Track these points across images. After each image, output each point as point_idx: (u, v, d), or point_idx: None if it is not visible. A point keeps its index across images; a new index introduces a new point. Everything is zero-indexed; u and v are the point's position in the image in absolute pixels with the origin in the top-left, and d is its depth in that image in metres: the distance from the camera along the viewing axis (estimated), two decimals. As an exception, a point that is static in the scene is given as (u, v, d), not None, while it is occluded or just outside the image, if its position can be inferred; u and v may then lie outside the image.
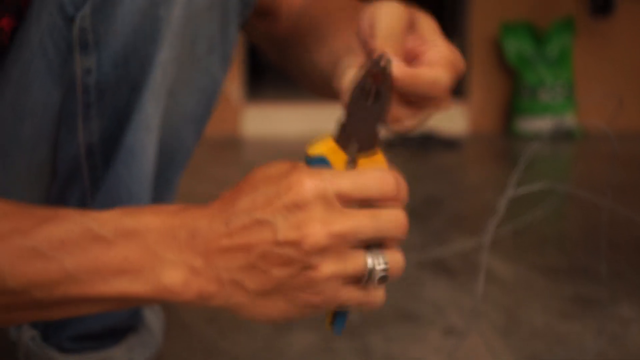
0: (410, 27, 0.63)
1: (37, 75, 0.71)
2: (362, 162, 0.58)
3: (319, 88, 0.80)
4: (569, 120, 3.19)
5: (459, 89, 3.51)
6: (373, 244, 0.57)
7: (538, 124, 3.21)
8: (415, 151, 2.95)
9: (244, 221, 0.55)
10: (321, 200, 0.54)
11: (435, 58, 0.61)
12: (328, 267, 0.54)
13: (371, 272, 0.56)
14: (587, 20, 3.25)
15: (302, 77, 0.84)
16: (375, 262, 0.56)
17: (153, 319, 0.87)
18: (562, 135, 3.11)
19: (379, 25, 0.61)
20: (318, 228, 0.53)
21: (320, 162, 0.57)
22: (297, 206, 0.54)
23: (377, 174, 0.56)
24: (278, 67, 0.89)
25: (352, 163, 0.58)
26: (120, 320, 0.80)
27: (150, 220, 0.56)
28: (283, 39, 0.86)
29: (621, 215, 1.03)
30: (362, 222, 0.55)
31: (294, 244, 0.54)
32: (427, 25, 0.64)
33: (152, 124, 0.70)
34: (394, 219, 0.56)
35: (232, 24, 0.74)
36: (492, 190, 2.03)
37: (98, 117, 0.71)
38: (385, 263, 0.56)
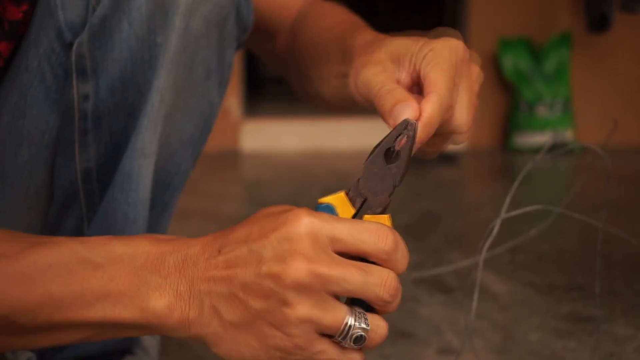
0: (396, 59, 0.65)
1: (34, 101, 0.72)
2: (367, 219, 0.58)
3: (318, 104, 0.82)
4: (567, 135, 3.20)
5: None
6: (359, 304, 0.56)
7: (536, 139, 3.22)
8: (412, 166, 2.95)
9: (236, 251, 0.54)
10: (313, 238, 0.53)
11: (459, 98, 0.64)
12: (304, 308, 0.53)
13: (348, 328, 0.54)
14: (585, 35, 3.26)
15: (303, 93, 0.86)
16: (356, 320, 0.54)
17: (149, 339, 0.87)
18: (559, 150, 3.12)
19: (373, 99, 0.64)
20: (302, 264, 0.52)
21: (326, 210, 0.58)
22: (288, 239, 0.53)
23: (375, 227, 0.55)
24: (284, 79, 0.91)
25: (357, 218, 0.58)
26: (117, 342, 0.80)
27: (140, 245, 0.56)
28: (284, 56, 0.87)
29: (616, 229, 1.04)
30: (349, 271, 0.53)
31: (276, 276, 0.53)
32: (413, 47, 0.65)
33: (149, 149, 0.70)
34: (383, 278, 0.54)
35: (228, 49, 0.74)
36: (489, 207, 2.03)
37: (95, 142, 0.72)
38: (366, 324, 0.55)
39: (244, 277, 0.53)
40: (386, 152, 0.59)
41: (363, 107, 0.71)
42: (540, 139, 3.20)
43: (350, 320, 0.54)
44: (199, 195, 2.37)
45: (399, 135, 0.59)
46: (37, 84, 0.71)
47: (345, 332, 0.54)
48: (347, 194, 0.58)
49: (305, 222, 0.53)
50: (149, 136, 0.70)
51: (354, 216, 0.58)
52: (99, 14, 0.67)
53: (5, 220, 0.75)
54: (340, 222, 0.54)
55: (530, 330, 1.21)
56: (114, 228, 0.71)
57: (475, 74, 0.66)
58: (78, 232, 0.75)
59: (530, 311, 1.31)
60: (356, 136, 2.97)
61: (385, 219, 0.58)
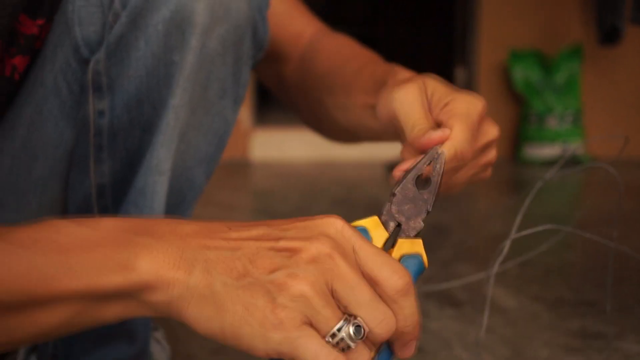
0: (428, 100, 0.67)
1: (50, 115, 0.72)
2: (401, 242, 0.58)
3: (328, 132, 0.82)
4: (577, 148, 3.20)
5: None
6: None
7: (546, 151, 3.21)
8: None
9: (252, 230, 0.52)
10: (341, 236, 0.52)
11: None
12: (307, 285, 0.50)
13: (338, 330, 0.51)
14: (595, 48, 3.26)
15: (313, 121, 0.87)
16: (347, 325, 0.51)
17: (159, 352, 0.88)
18: (570, 163, 3.12)
19: (403, 120, 0.65)
20: (325, 246, 0.51)
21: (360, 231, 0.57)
22: (316, 227, 0.52)
23: (396, 264, 0.53)
24: (287, 106, 0.91)
25: (390, 242, 0.58)
26: (128, 356, 0.80)
27: (133, 216, 0.55)
28: (290, 80, 0.87)
29: (628, 248, 1.04)
30: (362, 283, 0.51)
31: (292, 250, 0.51)
32: (440, 92, 0.67)
33: (164, 166, 0.70)
34: (386, 312, 0.52)
35: (244, 68, 0.75)
36: (499, 220, 2.03)
37: (110, 158, 0.72)
38: (356, 336, 0.51)
39: (254, 247, 0.51)
40: (417, 178, 0.60)
41: (374, 136, 0.73)
42: (550, 151, 3.20)
43: (343, 325, 0.51)
44: (209, 204, 2.37)
45: (429, 163, 0.61)
46: (52, 98, 0.72)
47: (333, 335, 0.51)
48: (380, 219, 0.59)
49: (337, 222, 0.52)
50: (164, 153, 0.70)
51: (388, 239, 0.58)
52: (116, 31, 0.68)
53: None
54: (367, 242, 0.53)
55: (540, 346, 1.21)
56: (128, 244, 0.72)
57: (491, 134, 0.69)
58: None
59: (539, 326, 1.31)
60: (365, 147, 2.98)
61: (419, 243, 0.58)
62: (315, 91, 0.82)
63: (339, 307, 0.51)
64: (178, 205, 0.77)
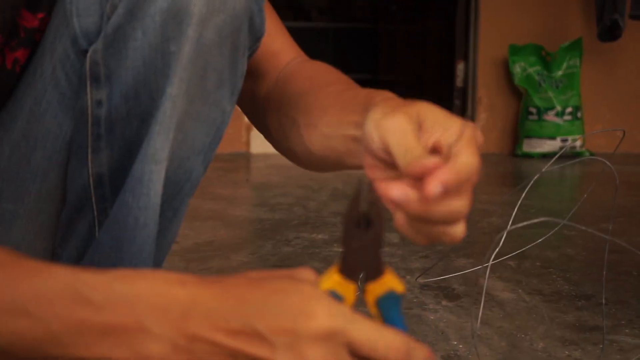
0: (419, 126, 0.63)
1: (49, 106, 0.73)
2: (371, 288, 0.58)
3: (294, 154, 0.82)
4: (576, 142, 3.20)
5: (466, 110, 3.53)
6: None
7: (545, 145, 3.22)
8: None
9: (246, 328, 0.54)
10: (329, 338, 0.53)
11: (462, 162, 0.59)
12: None
13: None
14: (595, 42, 3.26)
15: (283, 141, 0.85)
16: None
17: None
18: (568, 156, 3.13)
19: (394, 149, 0.61)
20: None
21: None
22: (305, 340, 0.53)
23: (390, 338, 0.54)
24: (254, 125, 0.90)
25: (361, 291, 0.58)
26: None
27: (143, 288, 0.55)
28: (264, 99, 0.86)
29: (625, 242, 1.05)
30: None
31: None
32: (432, 115, 0.63)
33: (161, 156, 0.71)
34: None
35: (241, 59, 0.75)
36: (498, 213, 2.04)
37: (108, 148, 0.73)
38: None
39: (253, 356, 0.53)
40: (357, 220, 0.58)
41: (347, 162, 0.72)
42: (549, 145, 3.21)
43: None
44: (209, 197, 2.38)
45: (361, 200, 0.58)
46: (51, 89, 0.73)
47: None
48: (340, 271, 0.58)
49: (322, 320, 0.53)
50: (161, 142, 0.70)
51: (357, 291, 0.58)
52: (113, 22, 0.68)
53: (19, 223, 0.76)
54: (357, 325, 0.54)
55: (536, 339, 1.22)
56: (125, 232, 0.72)
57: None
58: (90, 235, 0.76)
59: (536, 319, 1.31)
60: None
61: (387, 278, 0.58)
62: (290, 110, 0.81)
63: None
64: (175, 196, 0.78)
